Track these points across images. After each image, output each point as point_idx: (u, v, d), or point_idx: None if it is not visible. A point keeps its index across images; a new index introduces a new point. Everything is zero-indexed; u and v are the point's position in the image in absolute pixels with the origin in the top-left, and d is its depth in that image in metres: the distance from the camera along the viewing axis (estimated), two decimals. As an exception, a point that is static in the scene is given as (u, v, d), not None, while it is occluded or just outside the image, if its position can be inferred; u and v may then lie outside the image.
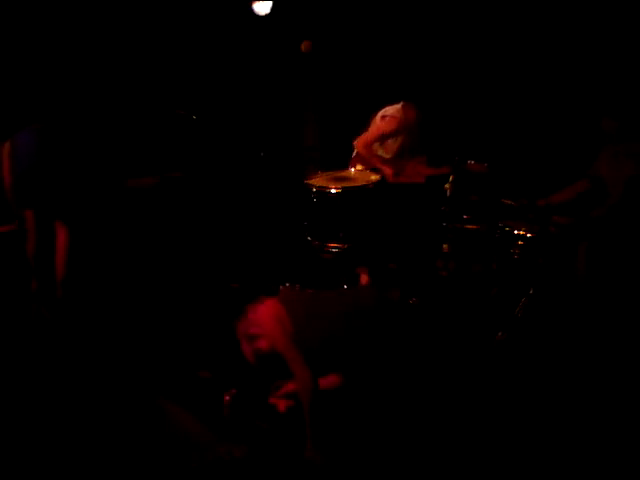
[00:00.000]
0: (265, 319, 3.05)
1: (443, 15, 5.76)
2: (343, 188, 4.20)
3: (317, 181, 4.36)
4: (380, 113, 4.67)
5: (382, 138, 4.60)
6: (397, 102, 4.67)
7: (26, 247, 4.91)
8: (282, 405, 3.23)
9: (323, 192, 4.23)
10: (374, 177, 4.38)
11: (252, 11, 6.42)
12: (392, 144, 4.63)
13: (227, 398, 3.12)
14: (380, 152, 4.66)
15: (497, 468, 2.78)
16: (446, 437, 2.85)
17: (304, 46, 4.73)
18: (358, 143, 4.64)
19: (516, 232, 4.20)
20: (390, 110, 4.64)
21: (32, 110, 4.97)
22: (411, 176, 4.57)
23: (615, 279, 4.13)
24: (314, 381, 2.90)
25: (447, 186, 4.39)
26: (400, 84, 5.85)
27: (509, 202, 4.30)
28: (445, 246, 4.43)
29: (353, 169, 4.61)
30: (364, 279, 4.60)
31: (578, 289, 4.16)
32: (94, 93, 6.33)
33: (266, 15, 6.45)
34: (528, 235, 4.15)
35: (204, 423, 3.12)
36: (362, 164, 4.61)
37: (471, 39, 5.66)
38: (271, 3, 6.37)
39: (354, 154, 4.71)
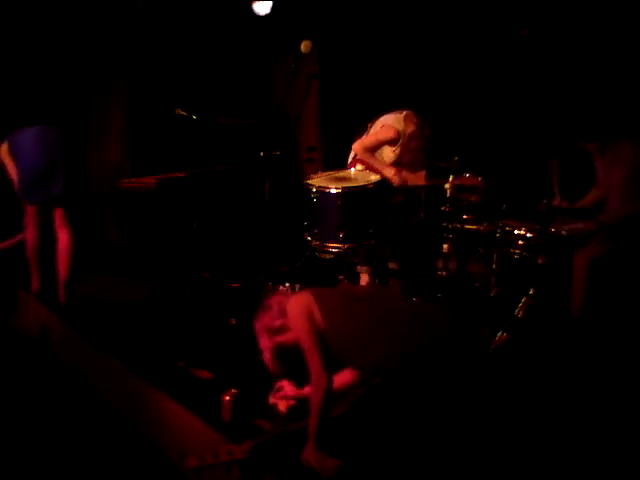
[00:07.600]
0: (295, 310, 2.92)
1: (448, 19, 5.73)
2: (343, 188, 4.20)
3: (317, 181, 4.35)
4: (381, 120, 4.53)
5: (379, 146, 4.49)
6: (401, 111, 4.50)
7: (27, 245, 4.91)
8: (283, 405, 3.23)
9: (323, 192, 4.22)
10: (374, 177, 4.37)
11: (252, 11, 6.43)
12: (389, 153, 4.51)
13: (227, 398, 3.12)
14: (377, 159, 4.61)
15: (497, 469, 2.78)
16: (446, 438, 2.85)
17: (304, 46, 4.71)
18: (356, 147, 4.55)
19: (516, 232, 4.20)
20: (391, 119, 4.48)
21: (28, 110, 4.95)
22: (410, 180, 4.52)
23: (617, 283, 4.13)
24: (329, 384, 2.79)
25: (447, 186, 4.37)
26: (402, 85, 5.85)
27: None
28: (445, 246, 4.42)
29: (353, 169, 4.60)
30: (364, 279, 4.61)
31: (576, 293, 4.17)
32: (92, 92, 6.36)
33: (266, 15, 6.46)
34: (528, 235, 4.16)
35: (204, 423, 3.12)
36: (362, 165, 4.59)
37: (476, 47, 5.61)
38: (271, 3, 6.37)
39: (352, 155, 4.68)
